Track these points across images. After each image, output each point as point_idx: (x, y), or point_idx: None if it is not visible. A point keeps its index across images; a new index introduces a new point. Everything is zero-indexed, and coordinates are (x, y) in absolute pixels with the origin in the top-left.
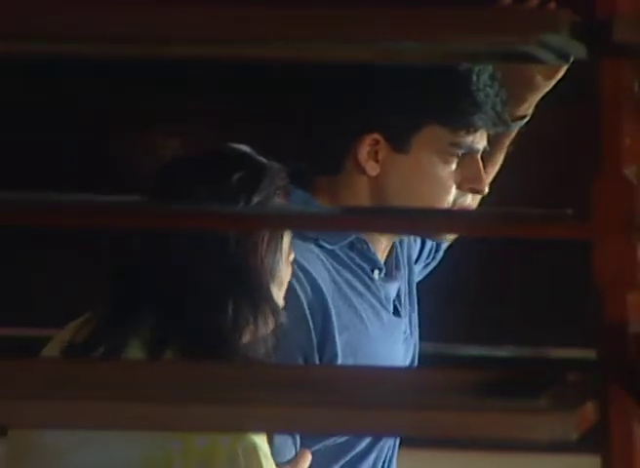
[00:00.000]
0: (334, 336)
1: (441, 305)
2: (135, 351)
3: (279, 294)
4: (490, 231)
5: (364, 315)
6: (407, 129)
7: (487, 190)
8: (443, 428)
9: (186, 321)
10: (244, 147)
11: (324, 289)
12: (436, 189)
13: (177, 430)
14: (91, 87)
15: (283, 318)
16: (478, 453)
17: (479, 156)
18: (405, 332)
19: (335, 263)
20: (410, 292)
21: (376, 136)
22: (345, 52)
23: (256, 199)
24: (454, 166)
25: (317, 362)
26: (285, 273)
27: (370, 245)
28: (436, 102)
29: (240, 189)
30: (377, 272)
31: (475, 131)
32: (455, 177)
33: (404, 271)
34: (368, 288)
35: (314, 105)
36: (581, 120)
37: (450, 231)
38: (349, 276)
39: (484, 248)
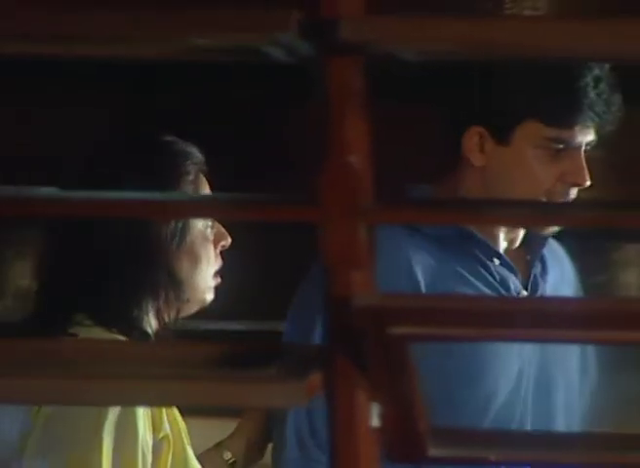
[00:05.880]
0: None
1: None
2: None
3: (190, 268)
4: (226, 214)
5: None
6: (508, 123)
7: (588, 183)
8: (183, 397)
9: (92, 296)
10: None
11: (419, 274)
12: (533, 181)
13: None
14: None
15: (191, 293)
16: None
17: (582, 150)
18: None
19: (440, 251)
20: None
21: (479, 129)
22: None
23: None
24: (553, 159)
25: None
26: (200, 246)
27: (478, 234)
28: (535, 99)
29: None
30: (496, 260)
31: (572, 127)
32: (555, 171)
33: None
34: (480, 277)
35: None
36: (312, 114)
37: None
38: (455, 264)
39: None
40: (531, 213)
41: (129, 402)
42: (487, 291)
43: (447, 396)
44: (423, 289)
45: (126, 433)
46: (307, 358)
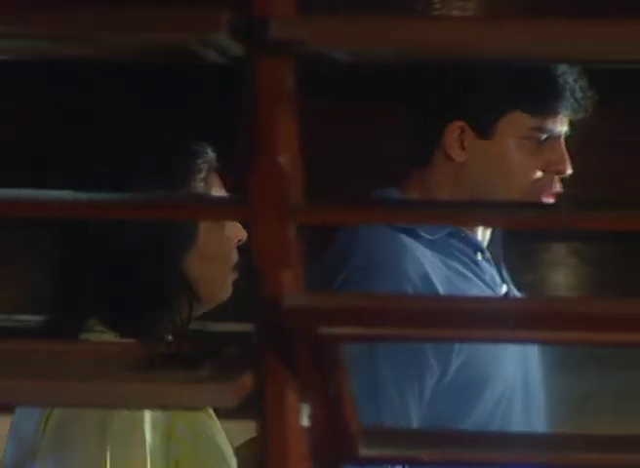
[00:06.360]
0: None
1: None
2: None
3: (202, 267)
4: (158, 214)
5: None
6: (490, 116)
7: (570, 171)
8: (109, 398)
9: (106, 295)
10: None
11: (435, 279)
12: (519, 173)
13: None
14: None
15: (203, 292)
16: None
17: (562, 139)
18: None
19: (438, 253)
20: None
21: (461, 123)
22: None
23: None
24: (537, 150)
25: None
26: (211, 244)
27: (465, 230)
28: (518, 90)
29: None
30: (479, 254)
31: (555, 116)
32: (539, 161)
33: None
34: (473, 272)
35: (403, 101)
36: (243, 113)
37: None
38: (454, 263)
39: None
40: (459, 211)
41: (51, 402)
42: (483, 286)
43: (462, 402)
44: (441, 293)
45: (131, 437)
46: (238, 358)
